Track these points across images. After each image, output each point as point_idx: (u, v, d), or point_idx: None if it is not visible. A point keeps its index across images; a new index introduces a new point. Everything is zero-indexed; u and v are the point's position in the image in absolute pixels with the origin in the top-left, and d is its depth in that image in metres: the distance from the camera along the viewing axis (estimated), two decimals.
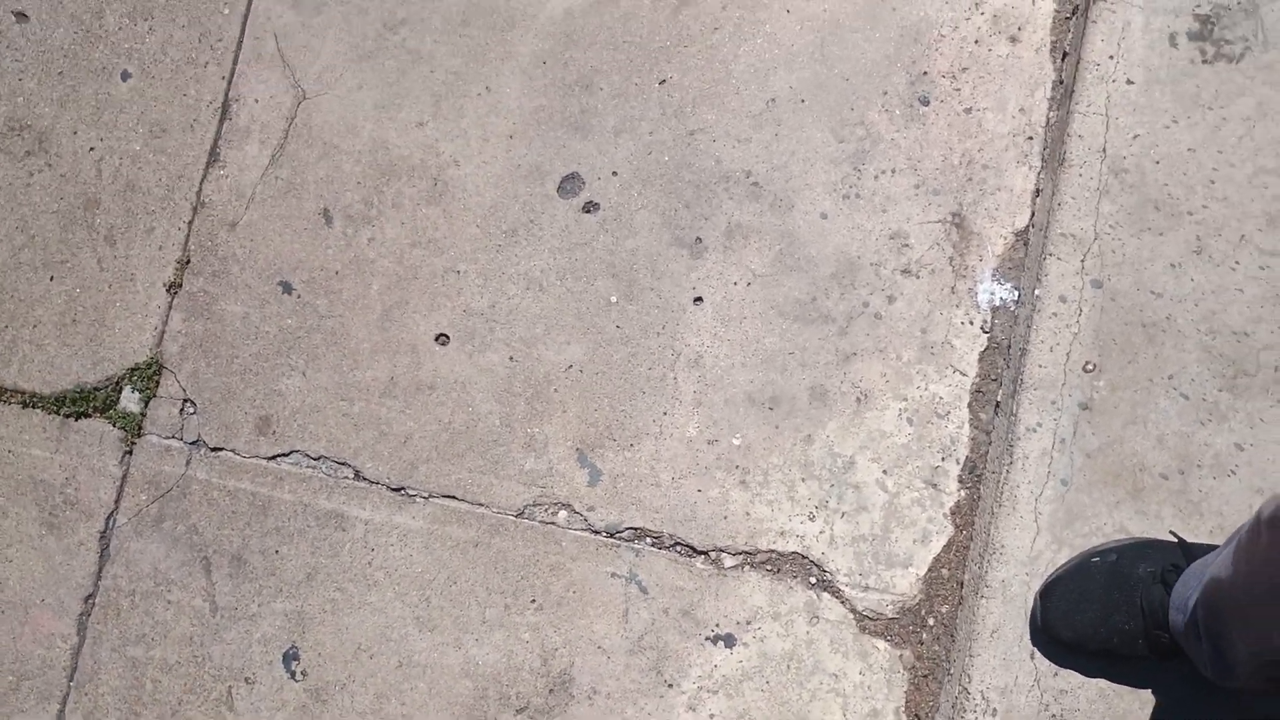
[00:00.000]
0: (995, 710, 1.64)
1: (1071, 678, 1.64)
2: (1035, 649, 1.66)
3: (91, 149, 2.12)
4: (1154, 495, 1.65)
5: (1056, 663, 1.65)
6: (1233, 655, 1.36)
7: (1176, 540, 1.59)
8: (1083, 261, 1.71)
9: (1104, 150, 1.72)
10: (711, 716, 1.84)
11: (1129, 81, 1.74)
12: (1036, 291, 1.72)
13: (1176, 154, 1.71)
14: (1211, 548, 1.54)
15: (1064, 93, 1.83)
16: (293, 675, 1.94)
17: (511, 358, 1.98)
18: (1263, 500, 1.36)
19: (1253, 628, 1.27)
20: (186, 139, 2.11)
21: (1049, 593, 1.63)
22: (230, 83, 2.11)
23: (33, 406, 2.10)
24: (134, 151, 2.11)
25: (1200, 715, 1.60)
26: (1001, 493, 1.69)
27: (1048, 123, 1.87)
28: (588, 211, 1.99)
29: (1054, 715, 1.63)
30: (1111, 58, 1.74)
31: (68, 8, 2.16)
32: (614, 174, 1.99)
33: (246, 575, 1.98)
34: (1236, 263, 1.67)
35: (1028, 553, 1.68)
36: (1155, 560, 1.57)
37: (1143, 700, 1.62)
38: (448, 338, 2.00)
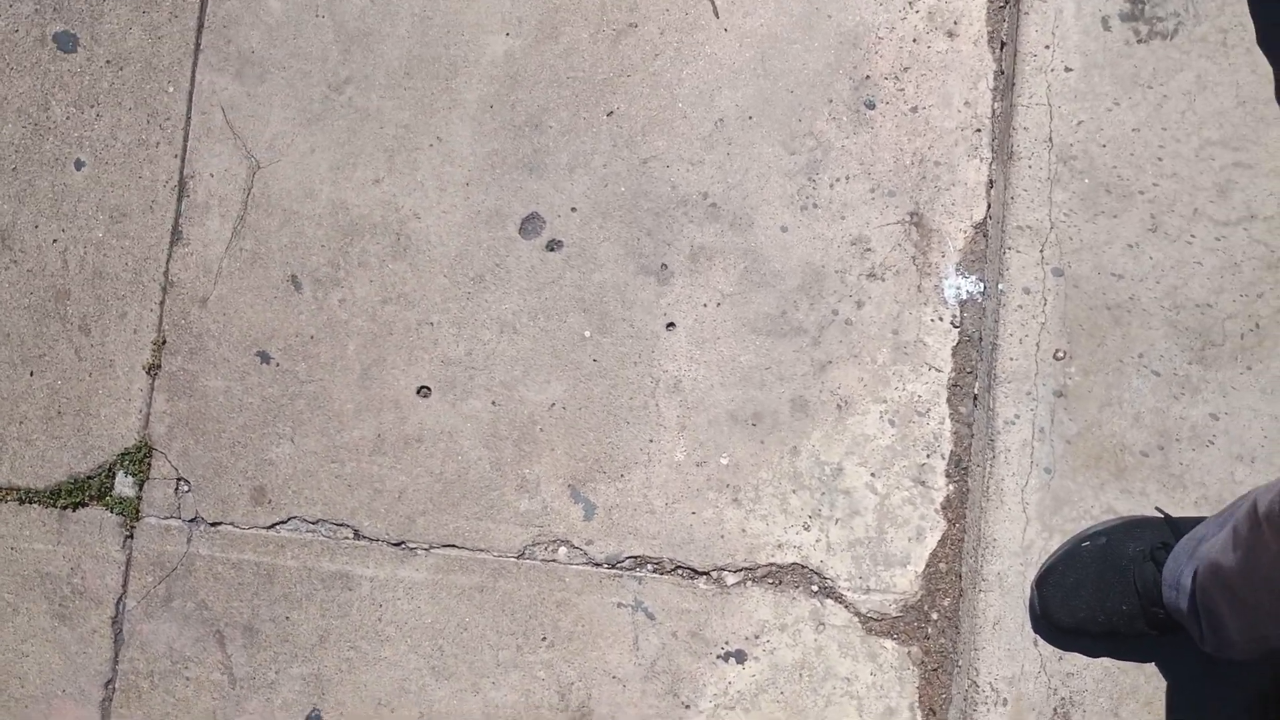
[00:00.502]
0: (1005, 700, 1.68)
1: (1076, 660, 1.68)
2: (1038, 636, 1.70)
3: (55, 240, 2.13)
4: (1137, 473, 1.68)
5: (1060, 647, 1.69)
6: (1228, 633, 1.40)
7: (1163, 516, 1.62)
8: (1042, 252, 1.74)
9: (1050, 140, 1.75)
10: None
11: (1067, 69, 1.76)
12: (1000, 286, 1.75)
13: (1122, 135, 1.73)
14: (1197, 520, 1.58)
15: (1006, 83, 1.85)
16: None
17: (494, 402, 2.00)
18: (1256, 486, 1.38)
19: (1248, 612, 1.31)
20: (148, 220, 2.12)
21: (1044, 581, 1.67)
22: (184, 160, 2.12)
23: (29, 502, 2.12)
24: (97, 239, 2.12)
25: (1203, 685, 1.64)
26: (988, 487, 1.72)
27: (993, 113, 1.90)
28: (551, 250, 2.01)
29: (1062, 699, 1.67)
30: (1048, 47, 1.76)
31: (13, 103, 2.16)
32: (573, 210, 2.01)
33: (260, 644, 2.01)
34: (1193, 236, 1.70)
35: (1019, 543, 1.71)
36: (1144, 539, 1.60)
37: (1147, 674, 1.66)
38: (429, 389, 2.02)
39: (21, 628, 2.08)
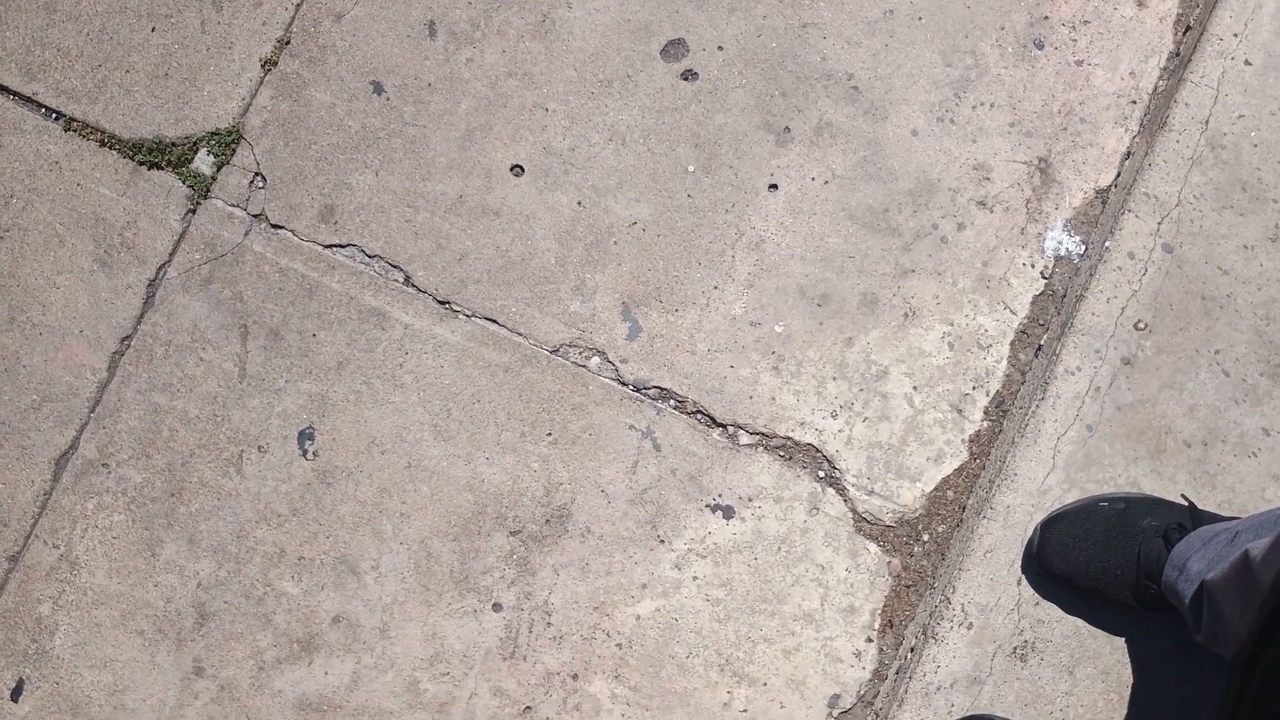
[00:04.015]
0: (971, 624, 1.69)
1: (1052, 610, 1.69)
2: (1024, 577, 1.71)
3: None
4: (1173, 459, 1.69)
5: (1041, 594, 1.70)
6: (1229, 628, 1.39)
7: (1187, 504, 1.63)
8: (1159, 224, 1.74)
9: (1206, 123, 1.74)
10: (695, 578, 1.89)
11: (1247, 62, 1.76)
12: (1107, 243, 1.75)
13: (1275, 141, 1.73)
14: (1219, 518, 1.58)
15: (1179, 64, 1.85)
16: (304, 454, 2.00)
17: (580, 202, 2.01)
18: None
19: (1258, 618, 1.30)
20: None
21: (1051, 525, 1.68)
22: None
23: (110, 147, 2.14)
24: None
25: (1165, 674, 1.65)
26: (1026, 424, 1.73)
27: (1154, 90, 1.89)
28: (685, 79, 2.02)
29: (1026, 641, 1.68)
30: (1235, 35, 1.76)
31: None
32: (719, 48, 2.01)
33: (280, 351, 2.03)
34: None
35: (1038, 485, 1.72)
36: (1161, 517, 1.61)
37: (1114, 646, 1.67)
38: (522, 169, 2.03)
39: (62, 260, 2.11)
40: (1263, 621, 1.14)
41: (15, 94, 2.12)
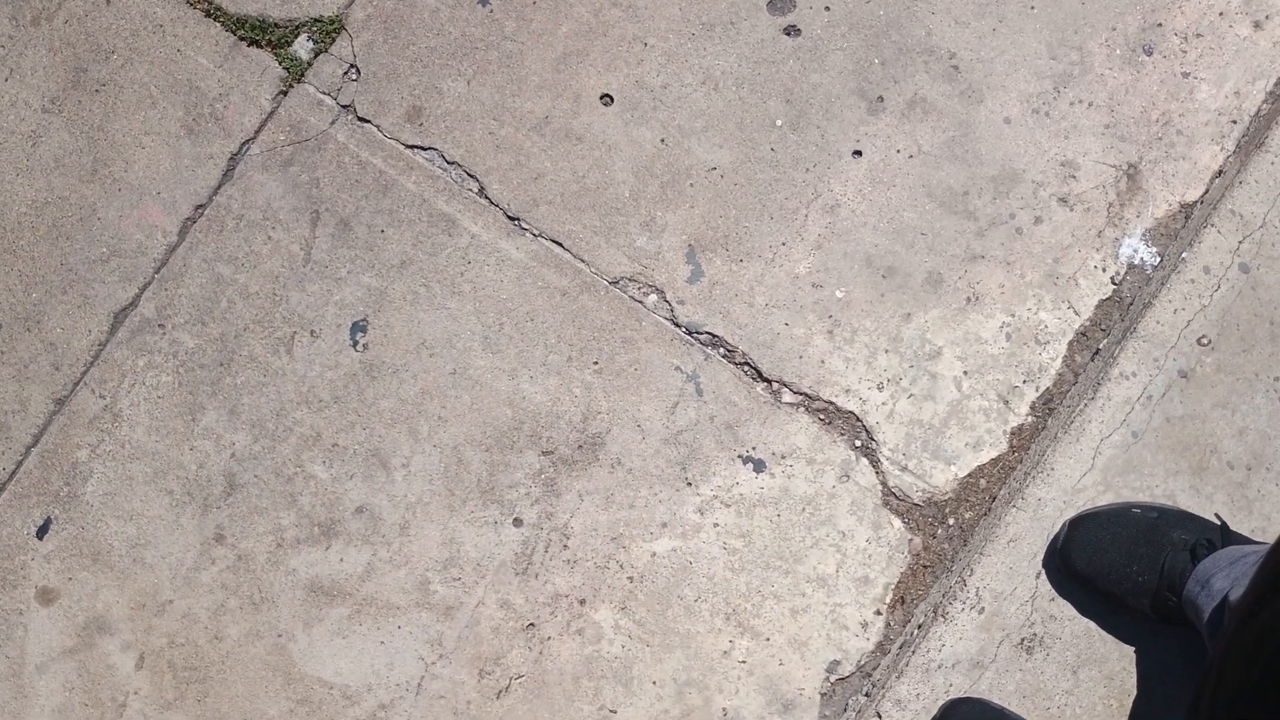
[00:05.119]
0: (983, 609, 1.69)
1: (1066, 608, 1.67)
2: (1044, 571, 1.70)
3: None
4: (1214, 478, 1.67)
5: (1058, 590, 1.69)
6: None
7: (1220, 523, 1.61)
8: (1240, 243, 1.71)
9: None
10: (716, 525, 1.90)
11: None
12: (1184, 254, 1.73)
13: None
14: (1251, 542, 1.56)
15: None
16: (355, 344, 2.02)
17: (663, 140, 2.01)
18: None
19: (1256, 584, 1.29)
20: None
21: (1080, 523, 1.66)
22: None
23: (214, 18, 2.17)
24: None
25: (1171, 687, 1.63)
26: (1072, 421, 1.72)
27: (1257, 113, 1.86)
28: (788, 34, 2.01)
29: (1035, 634, 1.67)
30: None
31: None
32: (826, 8, 2.01)
33: (347, 241, 2.06)
34: None
35: (1074, 483, 1.70)
36: (1192, 532, 1.59)
37: (1123, 653, 1.65)
38: (612, 99, 2.04)
39: (151, 121, 2.15)
40: (1258, 590, 1.12)
41: None
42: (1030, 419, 1.86)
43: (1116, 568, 1.61)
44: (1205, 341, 1.71)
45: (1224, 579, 1.48)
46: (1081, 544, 1.64)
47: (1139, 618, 1.64)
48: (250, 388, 2.03)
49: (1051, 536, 1.71)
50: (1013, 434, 1.86)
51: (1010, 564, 1.71)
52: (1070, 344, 1.87)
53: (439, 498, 1.97)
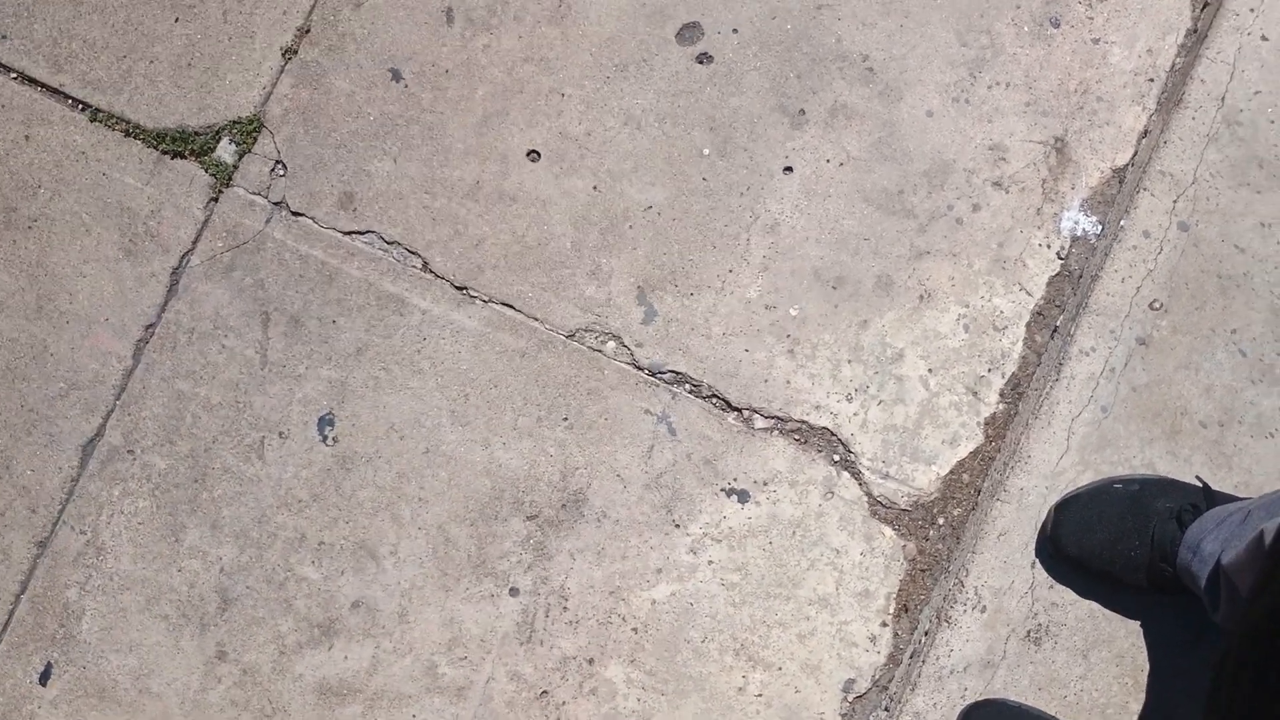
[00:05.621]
0: (985, 607, 1.69)
1: (1066, 593, 1.67)
2: (1037, 559, 1.70)
3: None
4: (1189, 440, 1.67)
5: (1055, 577, 1.69)
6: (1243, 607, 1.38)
7: (1201, 485, 1.61)
8: (1175, 202, 1.72)
9: (1222, 99, 1.72)
10: (710, 563, 1.89)
11: (1264, 38, 1.73)
12: (1122, 222, 1.73)
13: None
14: (1234, 499, 1.56)
15: (1196, 40, 1.82)
16: (324, 439, 2.02)
17: (596, 187, 2.01)
18: None
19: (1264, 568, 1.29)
20: None
21: (1064, 507, 1.66)
22: None
23: (134, 137, 2.17)
24: None
25: (1180, 658, 1.63)
26: (1040, 406, 1.72)
27: (1172, 68, 1.87)
28: (701, 62, 2.01)
29: (1040, 624, 1.67)
30: (1252, 10, 1.73)
31: None
32: (734, 31, 2.01)
33: (301, 337, 2.05)
34: None
35: (1052, 467, 1.70)
36: (1175, 498, 1.59)
37: (1129, 629, 1.65)
38: (539, 155, 2.04)
39: (88, 249, 2.14)
40: (1267, 571, 1.12)
41: (43, 85, 2.16)
42: (1001, 406, 1.86)
43: (1107, 547, 1.61)
44: (1158, 305, 1.71)
45: (1213, 542, 1.48)
46: (1069, 528, 1.64)
47: (1139, 592, 1.64)
48: (228, 499, 2.03)
49: (1039, 524, 1.71)
50: (986, 423, 1.86)
51: (1004, 558, 1.71)
52: (1028, 325, 1.87)
53: (432, 579, 1.96)
